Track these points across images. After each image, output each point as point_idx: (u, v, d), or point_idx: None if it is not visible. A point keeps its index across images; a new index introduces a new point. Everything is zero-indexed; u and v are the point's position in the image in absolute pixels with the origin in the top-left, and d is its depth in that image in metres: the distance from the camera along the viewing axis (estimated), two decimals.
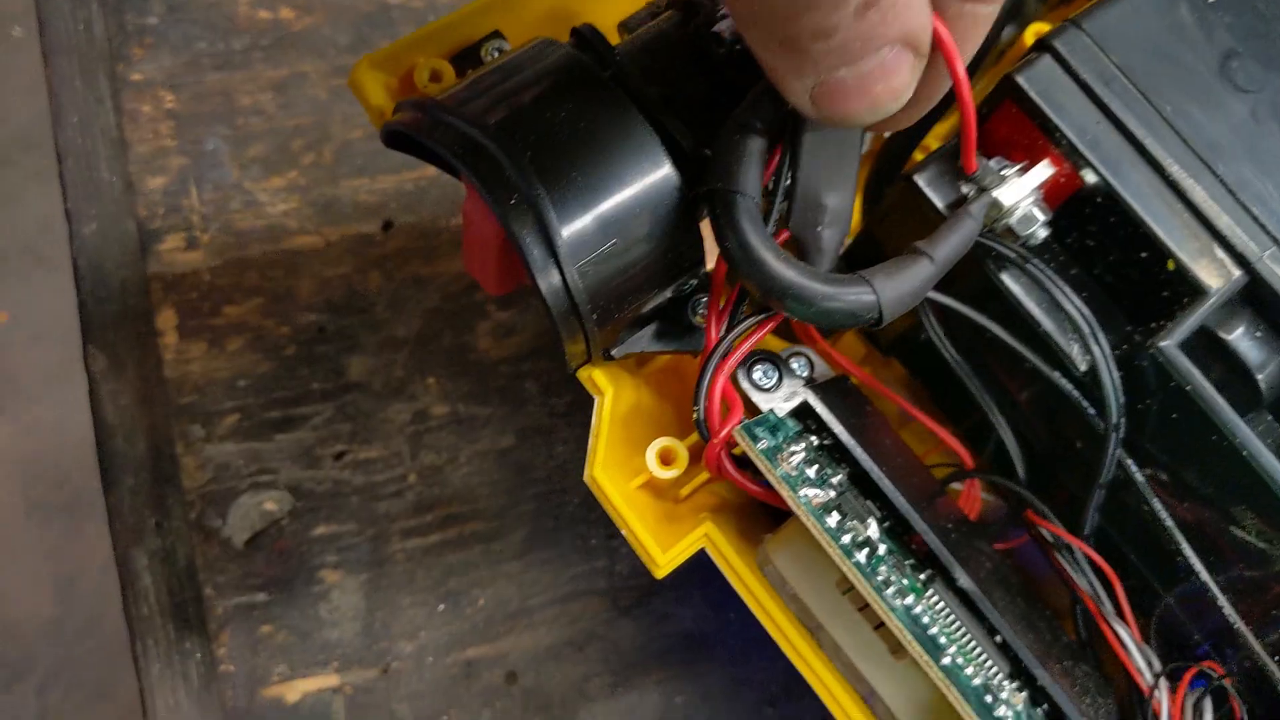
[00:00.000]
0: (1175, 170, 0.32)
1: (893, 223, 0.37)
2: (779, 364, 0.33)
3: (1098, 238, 0.33)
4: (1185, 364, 0.31)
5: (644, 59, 0.32)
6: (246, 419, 0.43)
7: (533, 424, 0.45)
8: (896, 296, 0.30)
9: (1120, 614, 0.35)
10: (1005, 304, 0.34)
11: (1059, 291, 0.32)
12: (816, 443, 0.32)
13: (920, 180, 0.34)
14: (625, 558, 0.44)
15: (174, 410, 0.43)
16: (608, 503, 0.31)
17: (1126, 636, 0.34)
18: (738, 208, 0.29)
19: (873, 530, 0.30)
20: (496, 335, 0.45)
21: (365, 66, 0.34)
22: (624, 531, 0.31)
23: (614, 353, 0.33)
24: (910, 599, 0.30)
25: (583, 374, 0.33)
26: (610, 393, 0.32)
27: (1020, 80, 0.32)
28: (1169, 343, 0.31)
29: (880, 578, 0.30)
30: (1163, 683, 0.33)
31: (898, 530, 0.32)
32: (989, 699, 0.30)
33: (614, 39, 0.34)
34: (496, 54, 0.35)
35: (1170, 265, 0.31)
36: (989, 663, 0.31)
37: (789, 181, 0.31)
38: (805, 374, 0.36)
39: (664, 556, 0.31)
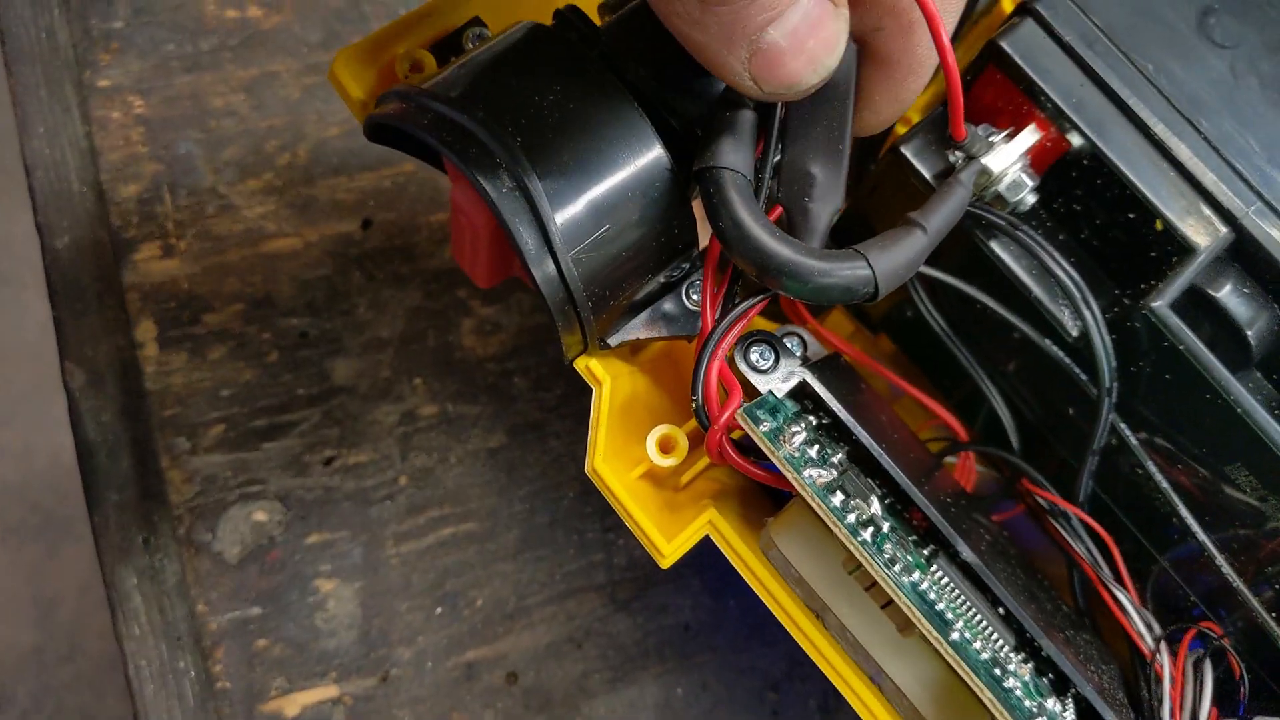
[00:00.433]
0: (1160, 129, 0.32)
1: (880, 196, 0.37)
2: (775, 344, 0.33)
3: (1084, 201, 0.33)
4: (1177, 323, 0.31)
5: (629, 39, 0.32)
6: (232, 429, 0.43)
7: (523, 420, 0.45)
8: (891, 269, 0.30)
9: (1119, 579, 0.35)
10: (993, 274, 0.35)
11: (1049, 257, 0.32)
12: (815, 422, 0.33)
13: (908, 151, 0.34)
14: (621, 551, 0.44)
15: (157, 424, 0.43)
16: (610, 495, 0.31)
17: (1126, 601, 0.35)
18: (730, 186, 0.29)
19: (875, 508, 0.31)
20: (481, 332, 0.45)
21: (344, 59, 0.34)
22: (627, 523, 0.31)
23: (610, 341, 0.33)
24: (916, 575, 0.30)
25: (580, 364, 0.33)
26: (608, 383, 0.32)
27: (1004, 45, 0.33)
28: (1160, 303, 0.31)
29: (886, 555, 0.30)
30: (1163, 646, 0.34)
31: (898, 507, 0.32)
32: (998, 671, 0.30)
33: (595, 20, 0.34)
34: (478, 41, 0.35)
35: (1158, 225, 0.32)
36: (995, 636, 0.31)
37: (778, 156, 0.31)
38: (800, 353, 0.37)
39: (669, 546, 0.31)
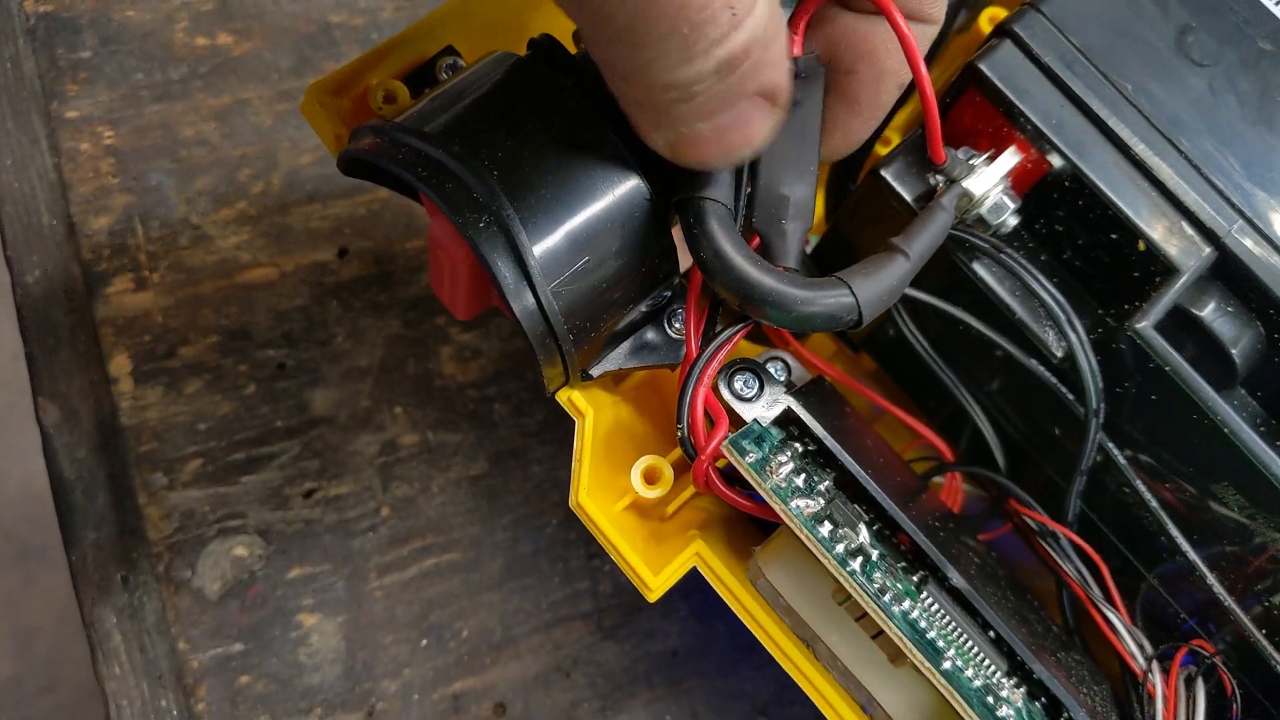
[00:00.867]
0: (1140, 149, 0.32)
1: (861, 218, 0.37)
2: (759, 371, 0.33)
3: (1066, 222, 0.33)
4: (1162, 344, 0.31)
5: None
6: (210, 463, 0.43)
7: (505, 447, 0.44)
8: (875, 296, 0.30)
9: (1109, 599, 0.35)
10: (975, 296, 0.34)
11: (1033, 279, 0.32)
12: (801, 449, 0.32)
13: (888, 174, 0.34)
14: (607, 577, 0.44)
15: (133, 459, 0.42)
16: (595, 529, 0.31)
17: (1117, 621, 0.35)
18: (711, 216, 0.29)
19: (864, 536, 0.30)
20: (461, 359, 0.45)
21: (316, 92, 0.33)
22: (614, 557, 0.31)
23: (592, 372, 0.33)
24: (907, 604, 0.30)
25: (561, 396, 0.32)
26: (590, 415, 0.32)
27: (983, 67, 0.32)
28: (1144, 324, 0.31)
29: (876, 585, 0.30)
30: (1155, 665, 0.34)
31: (886, 532, 0.32)
32: (990, 700, 0.30)
33: (570, 49, 0.34)
34: (451, 71, 0.35)
35: (1141, 245, 0.32)
36: (986, 662, 0.31)
37: (750, 183, 0.31)
38: (783, 378, 0.37)
39: (655, 580, 0.31)
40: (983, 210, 0.33)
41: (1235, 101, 0.33)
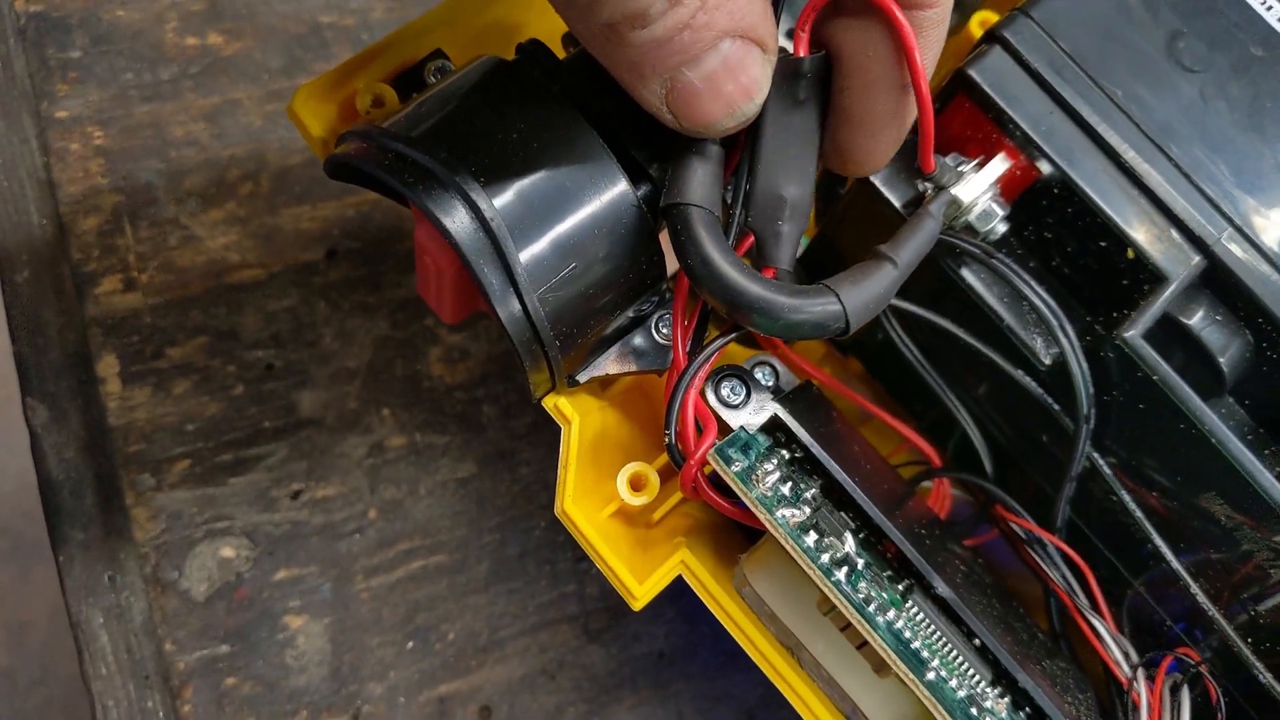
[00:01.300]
0: (1130, 156, 0.32)
1: (850, 223, 0.37)
2: (745, 378, 0.33)
3: (1056, 229, 0.33)
4: (1150, 354, 0.31)
5: (592, 72, 0.32)
6: (198, 464, 0.42)
7: (493, 449, 0.44)
8: (862, 304, 0.29)
9: (1095, 606, 0.35)
10: (962, 301, 0.34)
11: (1025, 285, 0.32)
12: (788, 456, 0.32)
13: (876, 180, 0.34)
14: (594, 580, 0.43)
15: (121, 460, 0.42)
16: (581, 537, 0.31)
17: (1102, 629, 0.34)
18: (698, 223, 0.29)
19: (850, 545, 0.30)
20: (449, 360, 0.44)
21: (304, 96, 0.33)
22: (599, 565, 0.30)
23: (579, 377, 0.32)
24: (892, 613, 0.30)
25: (548, 403, 0.32)
26: (577, 421, 0.32)
27: (973, 73, 0.32)
28: (1133, 333, 0.31)
29: (861, 595, 0.29)
30: (1140, 673, 0.33)
31: (872, 540, 0.32)
32: (974, 710, 0.30)
33: (559, 50, 0.34)
34: (439, 75, 0.34)
35: (1130, 253, 0.31)
36: (971, 671, 0.30)
37: (749, 181, 0.30)
38: (771, 383, 0.36)
39: (640, 589, 0.30)
40: (971, 217, 0.32)
41: (1226, 108, 0.33)
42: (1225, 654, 0.34)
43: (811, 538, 0.30)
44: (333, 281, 0.44)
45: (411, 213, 0.31)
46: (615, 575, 0.31)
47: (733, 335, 0.31)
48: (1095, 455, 0.33)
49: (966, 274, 0.33)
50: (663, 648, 0.43)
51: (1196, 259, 0.31)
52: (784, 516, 0.29)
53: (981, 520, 0.38)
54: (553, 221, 0.29)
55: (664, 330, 0.33)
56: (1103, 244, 0.32)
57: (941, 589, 0.31)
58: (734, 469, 0.30)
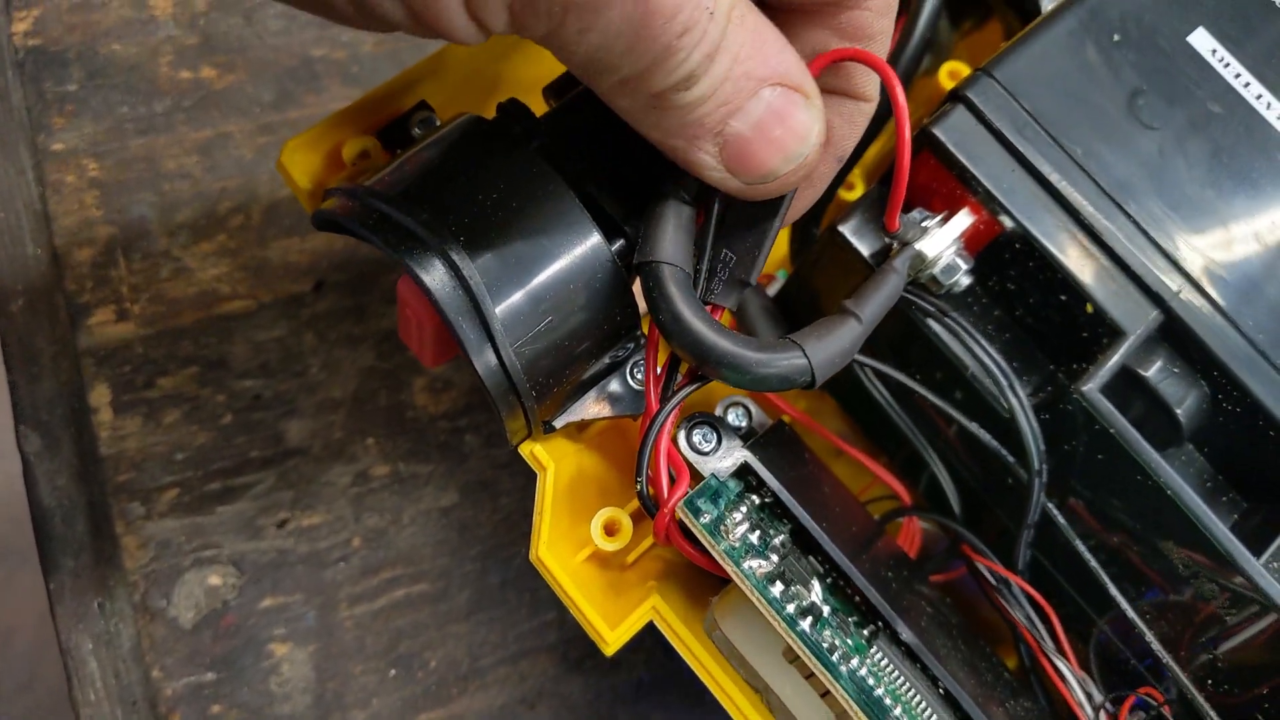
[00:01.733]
0: (1089, 213, 0.32)
1: (822, 268, 0.37)
2: (716, 425, 0.33)
3: (1018, 282, 0.34)
4: (1107, 408, 0.31)
5: (570, 131, 0.32)
6: (186, 493, 0.43)
7: (475, 478, 0.44)
8: (828, 358, 0.30)
9: (1059, 646, 0.35)
10: (929, 345, 0.35)
11: (976, 344, 0.33)
12: (758, 501, 0.33)
13: (846, 230, 0.34)
14: None
15: (112, 489, 0.42)
16: (554, 583, 0.31)
17: (1066, 670, 0.35)
18: (669, 280, 0.29)
19: (816, 593, 0.31)
20: (433, 390, 0.45)
21: (291, 148, 0.33)
22: (572, 611, 0.31)
23: (555, 423, 0.33)
24: (855, 661, 0.30)
25: (524, 449, 0.33)
26: (552, 468, 0.32)
27: (937, 132, 0.33)
28: (1090, 387, 0.32)
29: (825, 644, 0.30)
30: (1103, 714, 0.34)
31: (840, 584, 0.32)
32: None
33: (539, 101, 0.34)
34: (424, 127, 0.35)
35: (1089, 308, 0.32)
36: (933, 716, 0.31)
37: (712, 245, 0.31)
38: (744, 423, 0.37)
39: (612, 635, 0.31)
40: (935, 270, 0.33)
41: (1184, 164, 0.33)
42: (1185, 696, 0.35)
43: (778, 588, 0.30)
44: (320, 313, 0.45)
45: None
46: (588, 621, 0.31)
47: (699, 384, 0.31)
48: (1051, 509, 0.34)
49: (932, 323, 0.34)
50: (642, 676, 0.44)
51: (1154, 313, 0.32)
52: (751, 568, 0.30)
53: (953, 556, 0.39)
54: (529, 277, 0.30)
55: (639, 376, 0.34)
56: (1063, 298, 0.33)
57: (905, 634, 0.32)
58: (702, 521, 0.30)
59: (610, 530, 0.33)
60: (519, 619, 0.43)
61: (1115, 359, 0.32)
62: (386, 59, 0.48)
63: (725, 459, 0.33)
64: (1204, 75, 0.34)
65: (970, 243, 0.33)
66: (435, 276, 0.29)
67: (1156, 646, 0.33)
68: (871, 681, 0.30)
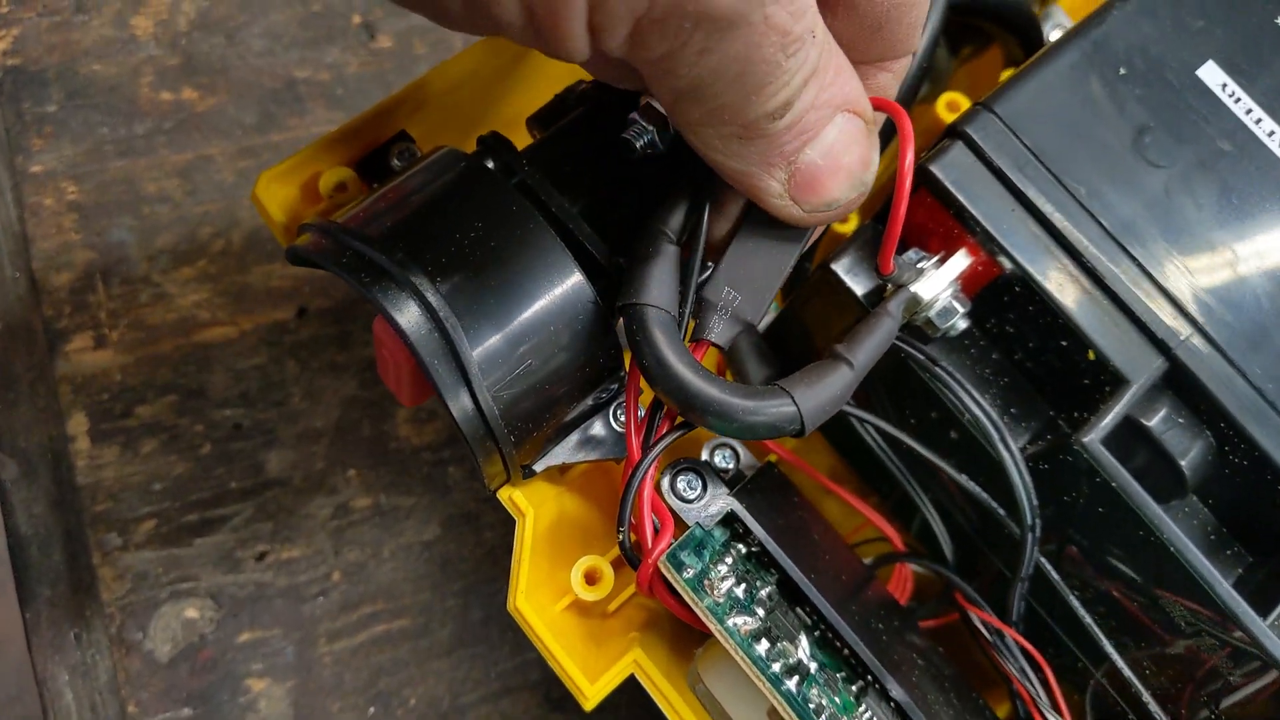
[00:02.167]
0: (1092, 255, 0.30)
1: (814, 305, 0.35)
2: (701, 470, 0.31)
3: (1017, 325, 0.32)
4: (1109, 460, 0.30)
5: (552, 166, 0.31)
6: (164, 524, 0.41)
7: (458, 511, 0.43)
8: (817, 406, 0.28)
9: (1053, 699, 0.34)
10: (926, 386, 0.33)
11: (969, 396, 0.31)
12: (745, 550, 0.31)
13: (839, 269, 0.32)
14: None
15: (89, 519, 0.40)
16: (532, 634, 0.29)
17: None
18: (653, 324, 0.28)
19: (803, 649, 0.29)
20: (417, 421, 0.43)
21: (266, 181, 0.32)
22: (551, 664, 0.29)
23: (535, 467, 0.31)
24: None
25: (503, 495, 0.31)
26: (531, 515, 0.30)
27: (934, 170, 0.31)
28: (1091, 438, 0.30)
29: (812, 704, 0.28)
30: None
31: (829, 637, 0.30)
32: None
33: (523, 132, 0.33)
34: (404, 157, 0.33)
35: (1090, 355, 0.30)
36: None
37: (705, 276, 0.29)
38: (731, 465, 0.35)
39: (592, 689, 0.29)
40: (931, 314, 0.31)
41: (1192, 204, 0.32)
42: None
43: (763, 646, 0.29)
44: (302, 340, 0.43)
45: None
46: (567, 675, 0.30)
47: (683, 431, 0.30)
48: (1044, 562, 0.32)
49: (923, 371, 0.32)
50: (625, 716, 0.42)
51: (1158, 361, 0.30)
52: (735, 625, 0.28)
53: (946, 601, 0.37)
54: (507, 318, 0.28)
55: (622, 418, 0.32)
56: (1064, 343, 0.31)
57: (895, 691, 0.30)
58: (685, 576, 0.28)
59: (591, 579, 0.31)
60: (501, 656, 0.41)
61: (1117, 409, 0.30)
62: (372, 81, 0.46)
63: (711, 506, 0.31)
64: (1214, 111, 0.32)
65: (968, 284, 0.31)
66: (409, 317, 0.28)
67: (1154, 708, 0.31)
68: None
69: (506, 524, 0.42)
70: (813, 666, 0.29)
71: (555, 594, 0.31)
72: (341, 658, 0.40)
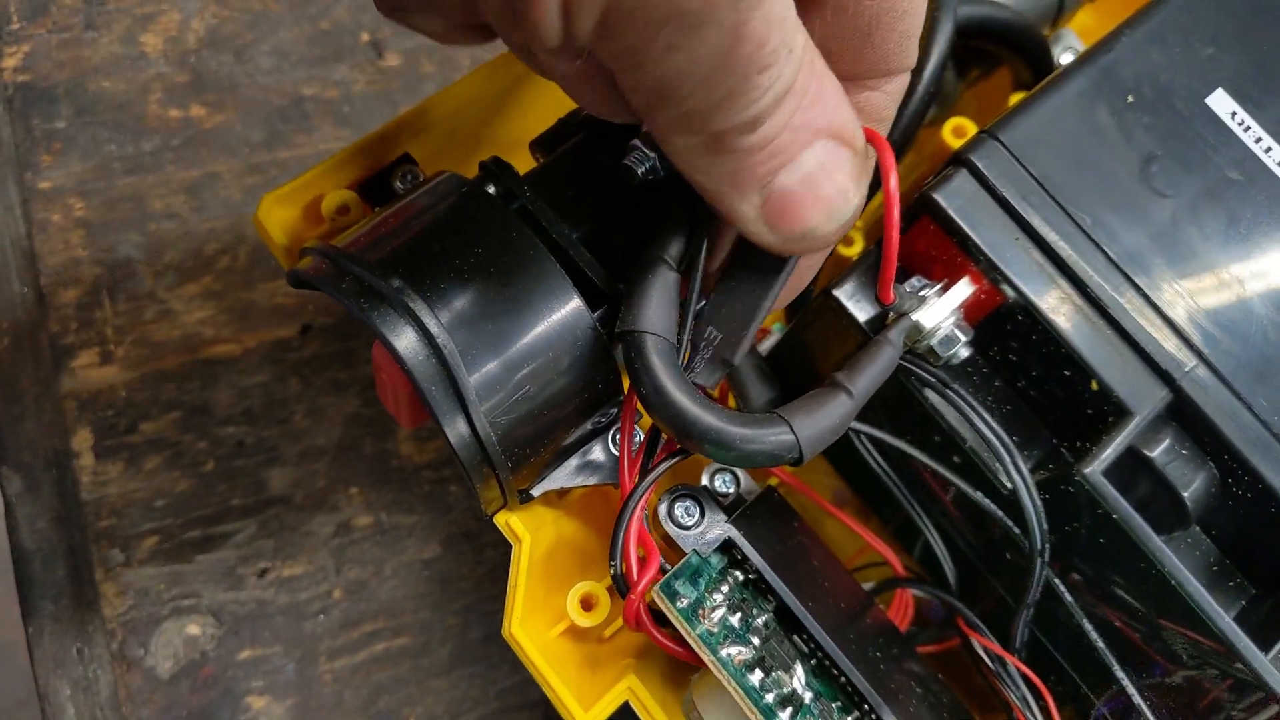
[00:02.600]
0: (1096, 285, 0.30)
1: (816, 330, 0.35)
2: (699, 497, 0.31)
3: (1020, 354, 0.31)
4: (1110, 492, 0.29)
5: (553, 191, 0.30)
6: (166, 540, 0.40)
7: (459, 530, 0.42)
8: (816, 434, 0.28)
9: None
10: (926, 415, 0.32)
11: (979, 418, 0.30)
12: (742, 578, 0.30)
13: (841, 295, 0.32)
14: None
15: (92, 535, 0.40)
16: (527, 661, 0.29)
17: None
18: (652, 351, 0.27)
19: (799, 679, 0.28)
20: (418, 439, 0.43)
21: (269, 204, 0.31)
22: (545, 690, 0.29)
23: (533, 492, 0.31)
24: None
25: (499, 520, 0.30)
26: (528, 540, 0.30)
27: (937, 197, 0.30)
28: (1093, 469, 0.29)
29: None
30: None
31: (825, 665, 0.30)
32: None
33: (526, 155, 0.32)
34: (407, 180, 0.33)
35: (1094, 385, 0.30)
36: None
37: (701, 304, 0.29)
38: (731, 490, 0.34)
39: (585, 716, 0.29)
40: (933, 342, 0.30)
41: (1199, 235, 0.31)
42: None
43: (756, 676, 0.28)
44: (306, 357, 0.43)
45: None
46: (561, 702, 0.29)
47: (679, 457, 0.29)
48: (1058, 584, 0.31)
49: (930, 394, 0.31)
50: None
51: (1162, 392, 0.29)
52: (728, 655, 0.28)
53: (948, 625, 0.36)
54: (506, 345, 0.28)
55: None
56: (1067, 373, 0.30)
57: None
58: (679, 605, 0.28)
59: (587, 605, 0.30)
60: (501, 675, 0.41)
61: (1120, 440, 0.29)
62: (379, 99, 0.45)
63: (708, 533, 0.31)
64: (1222, 139, 0.31)
65: (970, 312, 0.31)
66: (406, 343, 0.27)
67: None
68: None
69: (507, 543, 0.41)
70: (807, 696, 0.28)
71: (551, 619, 0.31)
72: (342, 676, 0.40)
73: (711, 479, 0.34)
